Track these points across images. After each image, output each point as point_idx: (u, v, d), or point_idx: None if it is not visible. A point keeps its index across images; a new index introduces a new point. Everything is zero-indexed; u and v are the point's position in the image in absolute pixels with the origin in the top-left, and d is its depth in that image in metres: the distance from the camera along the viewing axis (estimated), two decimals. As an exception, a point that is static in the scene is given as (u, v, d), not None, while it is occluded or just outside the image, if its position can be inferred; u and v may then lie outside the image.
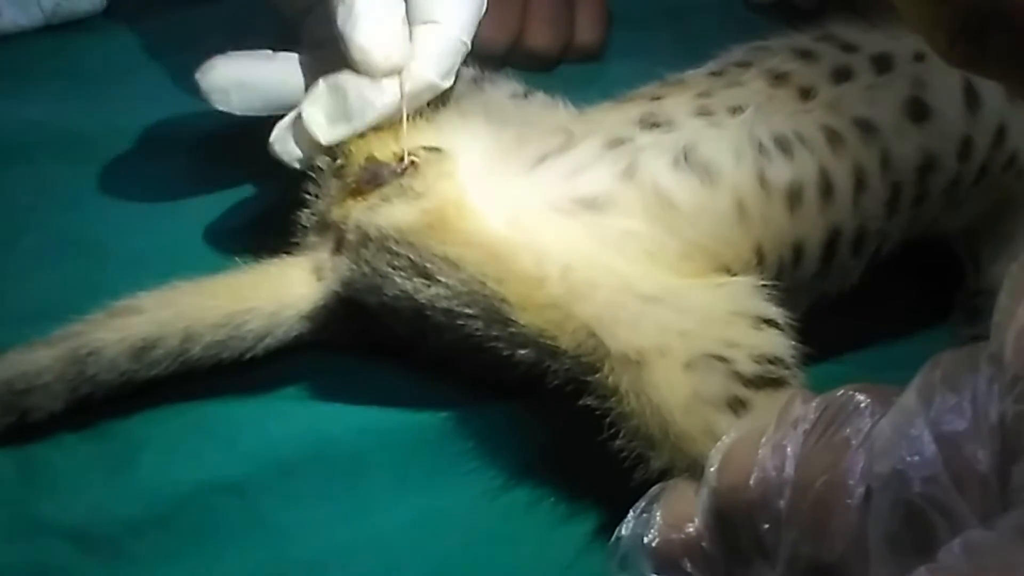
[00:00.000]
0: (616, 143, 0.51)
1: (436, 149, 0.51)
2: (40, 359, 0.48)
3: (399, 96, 0.52)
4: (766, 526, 0.33)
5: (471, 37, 0.54)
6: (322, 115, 0.52)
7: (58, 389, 0.48)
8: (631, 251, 0.49)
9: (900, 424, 0.30)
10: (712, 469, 0.35)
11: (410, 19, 0.53)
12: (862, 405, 0.32)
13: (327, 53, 0.53)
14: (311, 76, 0.54)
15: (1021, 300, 0.29)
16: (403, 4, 0.53)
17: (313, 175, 0.53)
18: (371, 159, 0.51)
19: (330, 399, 0.51)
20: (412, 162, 0.50)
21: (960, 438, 0.29)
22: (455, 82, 0.55)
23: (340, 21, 0.51)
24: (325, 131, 0.52)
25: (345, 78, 0.52)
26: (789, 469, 0.32)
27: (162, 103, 0.66)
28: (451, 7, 0.53)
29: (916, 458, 0.29)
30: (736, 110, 0.52)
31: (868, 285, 0.53)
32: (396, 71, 0.51)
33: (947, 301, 0.57)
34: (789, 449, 0.33)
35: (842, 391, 0.34)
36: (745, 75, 0.54)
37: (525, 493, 0.48)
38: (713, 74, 0.55)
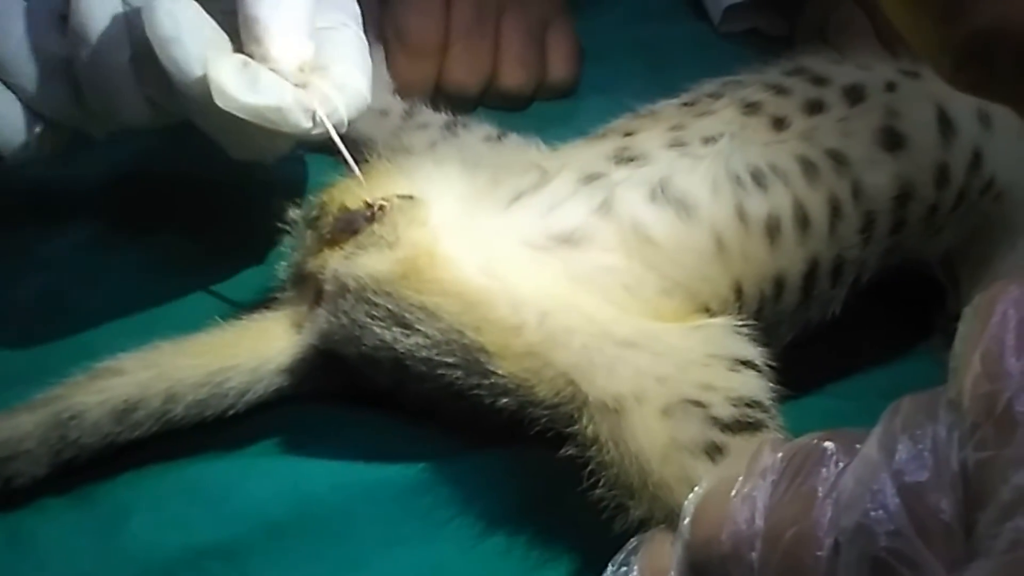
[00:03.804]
0: (591, 178, 0.51)
1: (407, 197, 0.51)
2: (22, 424, 0.48)
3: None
4: (739, 579, 0.33)
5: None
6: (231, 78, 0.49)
7: (41, 454, 0.48)
8: (609, 286, 0.48)
9: (863, 477, 0.30)
10: (686, 522, 0.35)
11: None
12: (828, 453, 0.32)
13: None
14: None
15: (976, 346, 0.29)
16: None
17: (289, 229, 0.53)
18: (343, 209, 0.51)
19: (314, 454, 0.51)
20: (381, 207, 0.50)
21: (923, 488, 0.28)
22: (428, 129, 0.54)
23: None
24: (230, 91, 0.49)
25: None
26: (759, 521, 0.32)
27: (143, 159, 0.66)
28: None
29: (880, 512, 0.29)
30: (709, 140, 0.52)
31: (847, 313, 0.53)
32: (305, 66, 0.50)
33: (927, 323, 0.56)
34: (759, 500, 0.33)
35: (808, 439, 0.33)
36: (716, 104, 0.54)
37: (505, 544, 0.47)
38: (685, 105, 0.56)
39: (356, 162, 0.53)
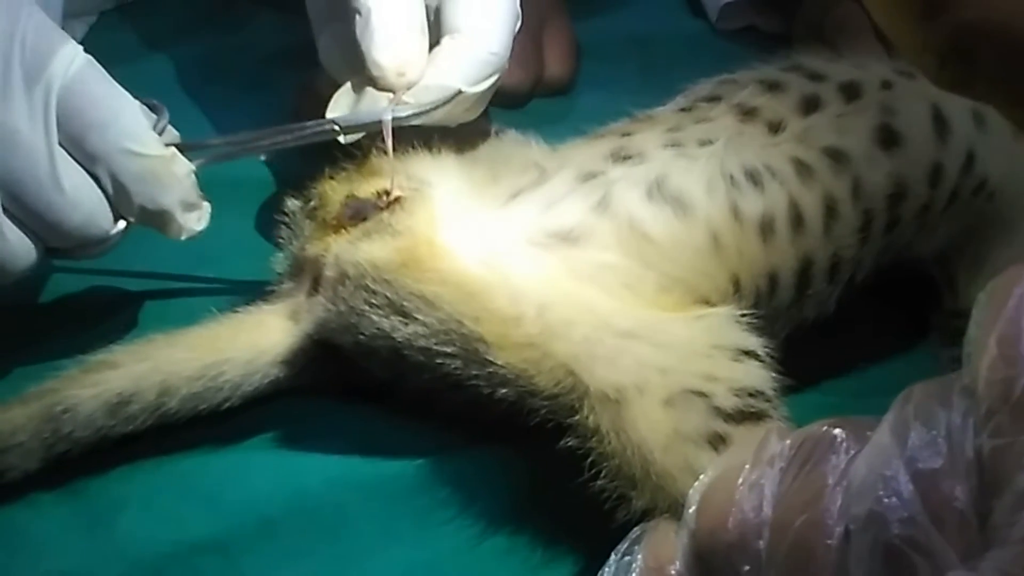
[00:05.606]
0: (589, 176, 0.51)
1: (416, 189, 0.51)
2: (14, 418, 0.47)
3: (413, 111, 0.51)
4: (746, 568, 0.32)
5: (504, 47, 0.53)
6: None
7: (33, 448, 0.48)
8: (609, 284, 0.48)
9: (875, 464, 0.29)
10: (691, 511, 0.35)
11: (439, 31, 0.53)
12: (838, 440, 0.32)
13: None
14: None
15: (991, 331, 0.28)
16: (423, 15, 0.52)
17: (287, 220, 0.53)
18: (351, 196, 0.51)
19: (309, 448, 0.51)
20: (398, 199, 0.50)
21: (937, 475, 0.28)
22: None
23: (358, 32, 0.51)
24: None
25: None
26: (767, 509, 0.32)
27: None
28: (476, 16, 0.52)
29: (893, 499, 0.28)
30: (706, 143, 0.52)
31: (843, 310, 0.53)
32: (411, 86, 0.51)
33: (923, 320, 0.56)
34: (766, 488, 0.32)
35: (817, 426, 0.33)
36: (714, 110, 0.54)
37: (507, 538, 0.47)
38: (682, 110, 0.56)
39: (353, 156, 0.53)
